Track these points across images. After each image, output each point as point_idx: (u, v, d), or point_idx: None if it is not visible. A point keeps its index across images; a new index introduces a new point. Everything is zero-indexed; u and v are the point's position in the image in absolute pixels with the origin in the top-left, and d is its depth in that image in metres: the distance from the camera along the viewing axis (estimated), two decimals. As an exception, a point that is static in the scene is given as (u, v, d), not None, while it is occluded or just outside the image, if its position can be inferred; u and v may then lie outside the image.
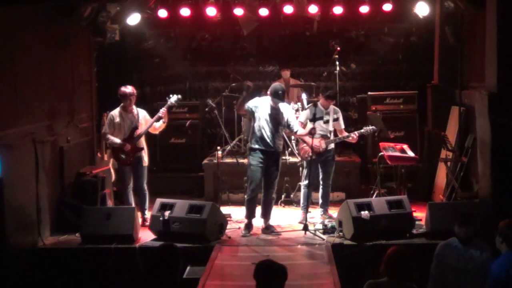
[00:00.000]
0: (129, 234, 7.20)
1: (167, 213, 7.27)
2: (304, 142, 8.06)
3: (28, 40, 7.27)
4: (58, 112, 8.00)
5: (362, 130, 8.06)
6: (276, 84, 7.70)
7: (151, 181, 8.48)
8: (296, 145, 9.09)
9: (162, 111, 7.94)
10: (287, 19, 10.53)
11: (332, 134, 8.09)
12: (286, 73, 10.47)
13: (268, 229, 7.76)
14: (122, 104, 7.97)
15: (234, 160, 8.81)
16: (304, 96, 9.76)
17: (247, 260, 6.66)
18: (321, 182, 8.13)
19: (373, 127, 8.15)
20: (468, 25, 8.64)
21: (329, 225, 7.63)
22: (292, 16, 10.19)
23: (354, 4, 9.84)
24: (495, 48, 7.08)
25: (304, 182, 8.16)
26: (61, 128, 8.06)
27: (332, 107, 8.13)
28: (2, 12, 6.63)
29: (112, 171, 8.78)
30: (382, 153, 8.31)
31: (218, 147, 9.00)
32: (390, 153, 8.23)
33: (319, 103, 8.12)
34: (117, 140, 7.89)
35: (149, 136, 8.24)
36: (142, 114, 8.10)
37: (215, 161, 8.75)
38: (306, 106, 9.23)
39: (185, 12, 9.91)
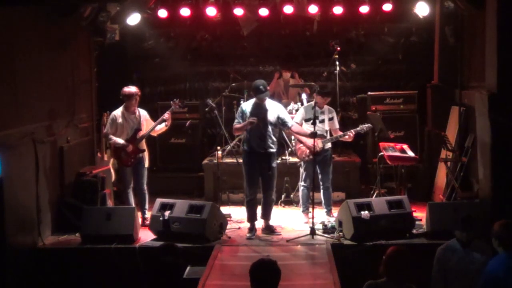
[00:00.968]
0: (129, 234, 7.20)
1: (167, 213, 7.28)
2: (301, 142, 8.05)
3: (28, 40, 7.28)
4: (58, 112, 8.00)
5: (358, 128, 8.05)
6: (256, 81, 7.68)
7: (151, 181, 8.48)
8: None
9: (167, 114, 7.95)
10: (287, 19, 10.53)
11: (328, 133, 8.09)
12: (287, 74, 10.46)
13: (268, 229, 7.76)
14: (124, 104, 7.98)
15: (234, 160, 8.80)
16: (304, 96, 9.77)
17: (247, 260, 6.63)
18: (320, 183, 8.13)
19: (369, 124, 8.13)
20: (468, 25, 8.64)
21: (329, 225, 7.64)
22: (292, 16, 10.19)
23: (354, 4, 9.85)
24: (495, 48, 7.07)
25: (303, 183, 8.14)
26: (61, 128, 8.06)
27: (326, 106, 8.14)
28: (2, 13, 6.63)
29: (112, 171, 8.78)
30: (382, 153, 8.31)
31: (218, 147, 9.00)
32: (390, 153, 8.23)
33: (313, 103, 8.08)
34: (120, 141, 7.89)
35: (148, 136, 8.23)
36: (143, 115, 8.10)
37: (215, 161, 8.75)
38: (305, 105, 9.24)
39: (185, 12, 9.92)
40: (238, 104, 9.82)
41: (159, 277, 4.13)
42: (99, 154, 8.93)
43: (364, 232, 7.07)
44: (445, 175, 8.70)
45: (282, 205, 9.06)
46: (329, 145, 8.12)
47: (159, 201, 7.55)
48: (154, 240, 7.33)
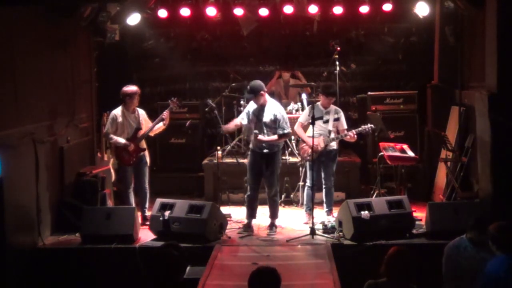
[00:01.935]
0: (129, 234, 7.20)
1: (167, 213, 7.28)
2: (304, 142, 8.06)
3: (28, 40, 7.27)
4: (58, 112, 8.00)
5: (360, 129, 8.01)
6: (251, 82, 7.72)
7: (151, 181, 8.48)
8: (297, 145, 9.09)
9: (165, 113, 7.96)
10: (287, 19, 10.53)
11: (332, 134, 8.01)
12: (286, 74, 10.46)
13: (270, 227, 7.77)
14: (125, 104, 7.99)
15: (234, 160, 8.81)
16: (304, 96, 9.77)
17: (247, 260, 6.66)
18: (323, 182, 8.12)
19: (371, 125, 8.10)
20: (468, 25, 8.64)
21: (329, 225, 7.63)
22: (292, 16, 10.19)
23: (354, 4, 9.84)
24: (495, 48, 7.08)
25: (306, 183, 8.13)
26: (61, 128, 8.06)
27: (333, 107, 8.10)
28: (2, 13, 6.63)
29: (112, 171, 8.79)
30: (382, 153, 8.31)
31: (218, 147, 8.99)
32: (390, 153, 8.23)
33: (319, 103, 8.11)
34: (122, 140, 7.90)
35: (148, 136, 8.24)
36: (142, 115, 8.12)
37: (215, 161, 8.75)
38: (305, 106, 9.26)
39: (185, 12, 9.92)
40: (238, 104, 9.85)
41: (160, 277, 4.12)
42: (99, 154, 8.93)
43: (364, 232, 7.07)
44: (445, 175, 8.70)
45: (282, 205, 9.04)
46: (334, 146, 8.04)
47: (159, 201, 7.54)
48: (154, 240, 7.33)
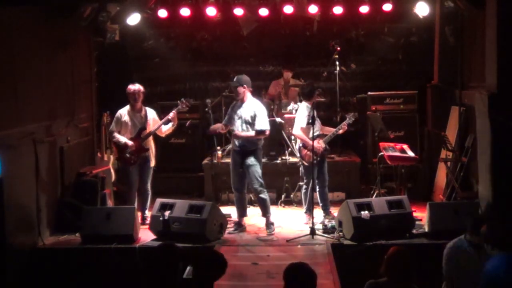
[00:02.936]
0: (129, 234, 7.20)
1: (167, 213, 7.28)
2: (305, 147, 7.96)
3: (28, 40, 7.28)
4: (58, 112, 8.00)
5: (347, 120, 8.08)
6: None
7: (151, 181, 8.47)
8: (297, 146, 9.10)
9: (172, 114, 7.95)
10: (287, 19, 10.53)
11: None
12: (288, 74, 10.46)
13: (266, 226, 7.79)
14: (129, 103, 7.99)
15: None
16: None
17: (247, 260, 6.67)
18: (316, 181, 8.05)
19: (353, 113, 8.28)
20: (468, 25, 8.64)
21: (329, 225, 7.63)
22: (292, 16, 10.19)
23: (354, 4, 9.84)
24: (495, 48, 7.07)
25: (307, 185, 8.10)
26: (61, 128, 8.06)
27: (305, 103, 8.03)
28: (2, 13, 6.63)
29: (112, 171, 8.78)
30: (382, 153, 8.31)
31: (218, 147, 8.99)
32: (390, 153, 8.22)
33: (307, 104, 8.00)
34: (123, 139, 7.91)
35: (156, 136, 8.26)
36: (151, 115, 8.11)
37: (215, 161, 8.75)
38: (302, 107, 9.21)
39: (185, 12, 9.91)
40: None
41: (159, 277, 4.13)
42: (99, 154, 8.93)
43: (364, 232, 7.07)
44: (445, 175, 8.70)
45: (282, 205, 9.06)
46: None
47: (159, 201, 7.55)
48: (154, 240, 7.33)
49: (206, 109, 8.87)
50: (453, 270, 5.31)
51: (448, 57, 9.41)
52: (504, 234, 4.81)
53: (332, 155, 9.37)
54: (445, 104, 9.41)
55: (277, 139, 9.33)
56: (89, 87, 9.15)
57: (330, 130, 8.13)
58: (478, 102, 7.50)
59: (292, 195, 9.15)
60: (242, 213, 7.93)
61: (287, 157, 9.38)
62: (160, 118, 8.20)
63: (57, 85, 8.04)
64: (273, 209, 8.44)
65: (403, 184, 8.47)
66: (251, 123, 7.61)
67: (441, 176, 9.01)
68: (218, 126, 8.01)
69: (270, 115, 9.65)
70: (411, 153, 8.34)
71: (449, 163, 8.51)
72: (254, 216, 8.45)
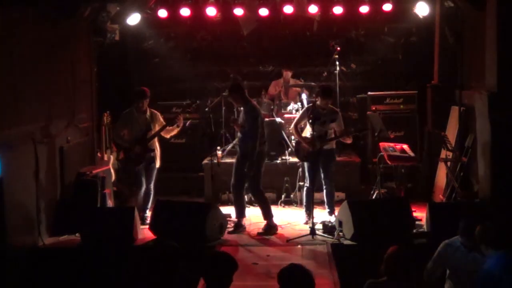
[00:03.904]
0: (129, 234, 7.20)
1: (167, 213, 7.27)
2: (301, 142, 8.06)
3: (28, 40, 7.27)
4: (58, 112, 8.00)
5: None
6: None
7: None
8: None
9: (179, 117, 8.08)
10: (287, 19, 10.53)
11: (329, 135, 7.95)
12: (288, 74, 10.46)
13: (263, 228, 7.82)
14: (135, 104, 8.02)
15: (234, 160, 8.80)
16: (304, 96, 9.77)
17: (247, 260, 6.66)
18: (323, 182, 8.09)
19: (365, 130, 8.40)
20: (468, 25, 8.64)
21: (329, 225, 7.63)
22: (292, 16, 10.20)
23: (354, 4, 9.85)
24: (495, 48, 7.08)
25: (305, 183, 8.12)
26: (61, 128, 8.06)
27: (330, 107, 8.09)
28: (2, 13, 6.63)
29: (112, 171, 8.78)
30: (382, 153, 8.31)
31: (218, 147, 8.99)
32: (390, 153, 8.22)
33: (317, 104, 8.06)
34: (126, 141, 8.00)
35: (163, 138, 8.30)
36: (156, 116, 8.16)
37: (215, 161, 8.76)
38: (306, 106, 9.23)
39: (185, 12, 9.92)
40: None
41: (158, 277, 4.12)
42: (99, 154, 8.93)
43: (364, 232, 7.07)
44: (445, 175, 8.70)
45: (282, 205, 9.06)
46: (330, 145, 8.02)
47: (159, 201, 7.54)
48: (154, 240, 7.32)
49: (206, 109, 8.89)
50: (439, 263, 5.32)
51: (448, 57, 9.42)
52: (498, 233, 4.83)
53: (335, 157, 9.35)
54: (445, 104, 9.41)
55: (277, 139, 9.33)
56: (89, 87, 9.15)
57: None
58: (478, 102, 7.51)
59: (292, 195, 9.14)
60: (241, 213, 7.93)
61: (287, 157, 9.38)
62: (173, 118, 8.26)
63: (57, 85, 8.04)
64: (273, 209, 8.45)
65: (403, 184, 8.48)
66: (243, 125, 7.82)
67: (441, 176, 9.01)
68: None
69: (270, 115, 9.68)
70: (411, 153, 8.34)
71: (449, 163, 8.51)
72: (254, 216, 8.46)
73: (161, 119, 8.25)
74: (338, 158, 9.48)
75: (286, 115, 9.51)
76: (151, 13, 10.08)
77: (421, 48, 10.74)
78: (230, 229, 7.75)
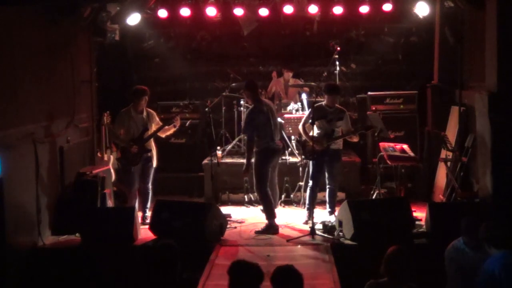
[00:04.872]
0: (129, 234, 7.20)
1: (167, 213, 7.27)
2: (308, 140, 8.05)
3: (28, 40, 7.27)
4: (58, 112, 8.00)
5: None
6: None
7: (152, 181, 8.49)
8: (297, 146, 9.11)
9: (177, 117, 8.05)
10: (287, 19, 10.53)
11: (336, 133, 7.93)
12: (288, 74, 10.45)
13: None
14: (133, 104, 8.02)
15: (234, 160, 8.81)
16: (304, 96, 9.77)
17: (247, 260, 6.64)
18: (327, 182, 8.07)
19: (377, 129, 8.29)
20: (468, 25, 8.64)
21: (329, 225, 7.63)
22: (292, 16, 10.20)
23: (354, 4, 9.85)
24: (495, 48, 7.08)
25: (309, 183, 8.11)
26: (61, 128, 8.06)
27: (337, 106, 8.08)
28: (2, 12, 6.63)
29: (112, 171, 8.78)
30: (382, 153, 8.31)
31: (218, 147, 8.99)
32: (390, 153, 8.22)
33: (323, 103, 8.06)
34: (123, 140, 7.98)
35: (159, 138, 8.29)
36: (152, 116, 8.15)
37: (215, 161, 8.76)
38: (305, 105, 9.25)
39: (185, 12, 9.93)
40: (238, 104, 9.86)
41: (158, 277, 4.13)
42: (99, 154, 8.93)
43: (364, 232, 7.06)
44: (445, 175, 8.70)
45: (282, 205, 9.05)
46: (337, 145, 7.99)
47: (159, 201, 7.54)
48: (154, 240, 7.33)
49: (206, 109, 8.89)
50: (454, 271, 5.32)
51: (448, 57, 9.41)
52: (500, 233, 4.84)
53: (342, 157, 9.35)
54: (445, 104, 9.41)
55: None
56: (89, 87, 9.15)
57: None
58: (478, 102, 7.51)
59: (292, 195, 9.14)
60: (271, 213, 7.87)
61: (287, 157, 9.38)
62: (160, 119, 8.23)
63: (57, 85, 8.04)
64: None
65: (403, 184, 8.47)
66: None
67: (441, 176, 9.01)
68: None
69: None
70: (411, 153, 8.34)
71: (449, 163, 8.50)
72: (254, 216, 8.46)
73: (158, 119, 8.24)
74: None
75: (286, 115, 9.51)
76: (151, 13, 10.08)
77: (421, 48, 10.75)
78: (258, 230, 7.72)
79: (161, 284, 4.13)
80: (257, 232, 7.68)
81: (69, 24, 8.20)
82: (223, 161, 9.33)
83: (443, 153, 8.89)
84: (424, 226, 7.44)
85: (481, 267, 4.83)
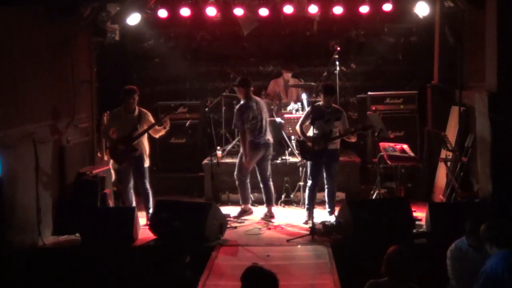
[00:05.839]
0: (129, 234, 7.20)
1: (167, 213, 7.27)
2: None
3: (28, 40, 7.28)
4: (58, 112, 8.00)
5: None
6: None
7: (151, 181, 8.48)
8: (297, 145, 9.11)
9: (165, 118, 8.00)
10: (287, 19, 10.53)
11: (334, 133, 7.95)
12: (288, 74, 10.45)
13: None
14: (123, 104, 8.00)
15: (234, 160, 8.81)
16: (304, 96, 9.76)
17: (247, 260, 6.65)
18: (325, 182, 8.09)
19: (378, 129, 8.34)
20: (468, 25, 8.64)
21: (329, 225, 7.63)
22: (292, 16, 10.20)
23: (354, 4, 9.85)
24: (495, 48, 7.07)
25: (308, 183, 8.11)
26: (61, 128, 8.07)
27: (335, 106, 8.09)
28: (2, 12, 6.63)
29: (112, 171, 8.79)
30: (382, 153, 8.31)
31: (218, 147, 8.98)
32: (390, 153, 8.23)
33: (320, 103, 8.08)
34: (110, 139, 8.05)
35: (149, 136, 8.25)
36: (144, 116, 8.11)
37: (215, 161, 8.76)
38: (305, 105, 9.25)
39: (185, 12, 9.92)
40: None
41: (157, 277, 4.13)
42: (99, 154, 8.94)
43: (364, 232, 7.06)
44: (445, 175, 8.70)
45: (282, 205, 9.05)
46: (335, 146, 8.01)
47: (159, 201, 7.54)
48: (154, 240, 7.33)
49: (206, 109, 8.89)
50: (457, 271, 5.32)
51: (448, 57, 9.42)
52: (502, 232, 4.84)
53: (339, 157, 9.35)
54: (445, 104, 9.41)
55: (277, 139, 9.34)
56: (89, 87, 9.15)
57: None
58: (478, 102, 7.50)
59: (292, 195, 9.14)
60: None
61: (287, 157, 9.38)
62: (156, 119, 8.23)
63: (57, 85, 8.04)
64: (273, 209, 8.46)
65: (403, 184, 8.48)
66: None
67: (441, 176, 9.01)
68: None
69: (270, 115, 9.67)
70: (411, 153, 8.34)
71: (449, 163, 8.51)
72: (254, 216, 8.47)
73: (151, 119, 8.19)
74: (338, 158, 9.50)
75: (286, 115, 9.51)
76: (151, 13, 10.07)
77: (421, 48, 10.75)
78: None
79: (162, 285, 4.13)
80: (234, 217, 8.17)
81: (69, 24, 8.20)
82: (223, 161, 9.33)
83: (443, 153, 8.89)
84: (424, 226, 7.44)
85: (482, 267, 4.84)
